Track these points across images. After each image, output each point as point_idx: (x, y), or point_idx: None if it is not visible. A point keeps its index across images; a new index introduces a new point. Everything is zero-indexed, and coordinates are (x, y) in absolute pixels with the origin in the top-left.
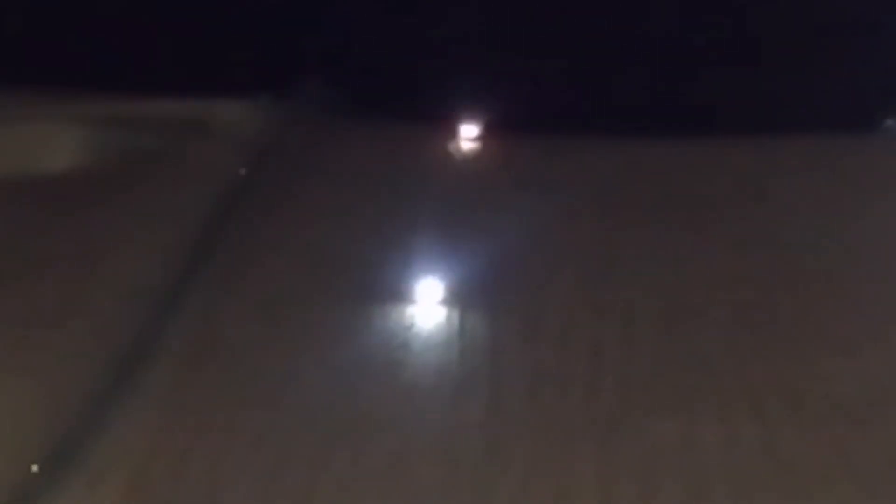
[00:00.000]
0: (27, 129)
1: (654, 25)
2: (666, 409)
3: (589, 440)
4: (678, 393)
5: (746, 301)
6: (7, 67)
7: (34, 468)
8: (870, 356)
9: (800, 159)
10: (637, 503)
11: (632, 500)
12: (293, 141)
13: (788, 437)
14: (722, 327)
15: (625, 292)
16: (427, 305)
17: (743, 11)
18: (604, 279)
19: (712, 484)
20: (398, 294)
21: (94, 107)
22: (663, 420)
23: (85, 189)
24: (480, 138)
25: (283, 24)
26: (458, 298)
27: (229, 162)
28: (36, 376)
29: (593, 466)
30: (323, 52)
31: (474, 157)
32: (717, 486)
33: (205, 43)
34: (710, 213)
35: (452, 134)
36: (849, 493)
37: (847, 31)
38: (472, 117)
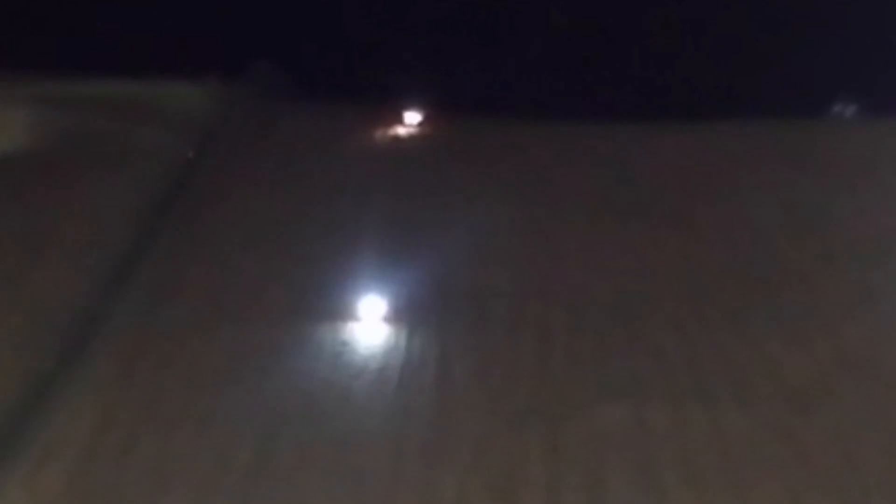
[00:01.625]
0: None
1: (611, 15)
2: (615, 394)
3: (538, 423)
4: (627, 378)
5: (696, 287)
6: None
7: None
8: (817, 343)
9: (751, 145)
10: (586, 485)
11: (581, 483)
12: (240, 124)
13: (736, 422)
14: (671, 313)
15: (574, 278)
16: (374, 292)
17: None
18: (552, 265)
19: (661, 467)
20: (343, 281)
21: (39, 88)
22: (612, 404)
23: (30, 171)
24: (425, 122)
25: (232, 8)
26: (405, 285)
27: (176, 144)
28: None
29: (542, 449)
30: (271, 36)
31: (420, 141)
32: (665, 469)
33: (153, 26)
34: (662, 201)
35: (398, 118)
36: (796, 476)
37: (797, 24)
38: (417, 102)
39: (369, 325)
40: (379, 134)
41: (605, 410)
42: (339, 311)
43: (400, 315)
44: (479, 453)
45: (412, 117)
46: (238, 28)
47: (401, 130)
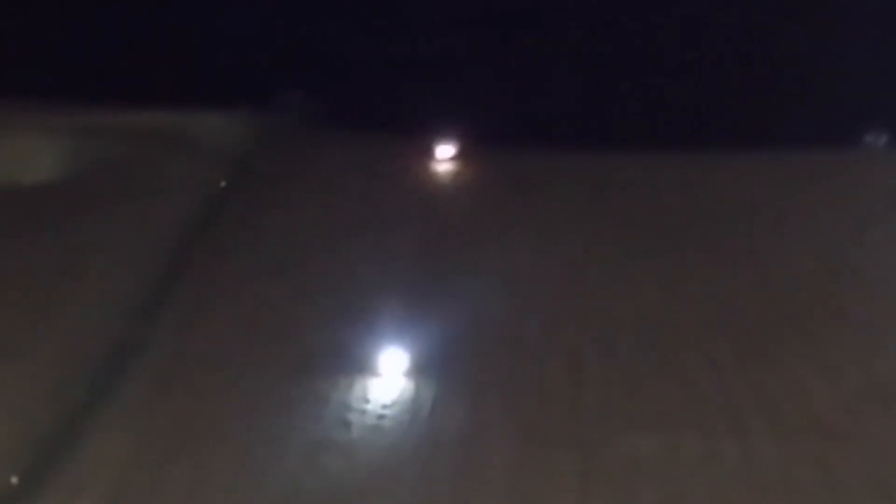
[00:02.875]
0: (6, 141)
1: (645, 44)
2: (647, 424)
3: (570, 454)
4: (659, 408)
5: (728, 318)
6: None
7: (14, 480)
8: (849, 374)
9: (784, 175)
10: None
11: None
12: (272, 154)
13: (768, 453)
14: (703, 344)
15: (605, 309)
16: (405, 320)
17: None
18: (584, 296)
19: (693, 497)
20: (375, 311)
21: (73, 119)
22: (644, 434)
23: (64, 200)
24: (457, 153)
25: (264, 38)
26: (438, 314)
27: (209, 174)
28: (15, 388)
29: (574, 480)
30: (302, 66)
31: (451, 172)
32: (697, 499)
33: (186, 56)
34: (696, 230)
35: (429, 148)
36: None
37: (828, 55)
38: (449, 132)
39: (401, 354)
40: (410, 164)
41: (637, 440)
42: (370, 340)
43: (432, 345)
44: (511, 482)
45: (444, 148)
46: (269, 58)
47: (432, 161)
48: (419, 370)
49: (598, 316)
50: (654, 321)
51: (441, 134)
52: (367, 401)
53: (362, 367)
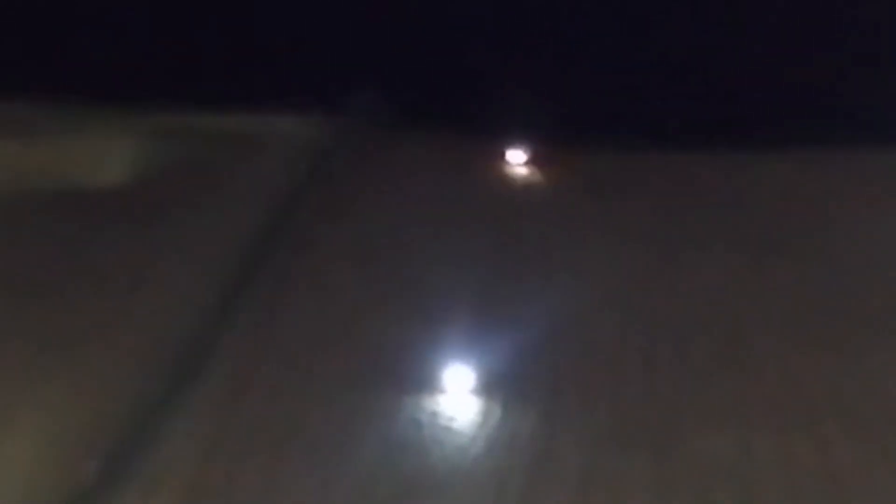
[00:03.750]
0: (81, 142)
1: (719, 44)
2: (720, 422)
3: (644, 452)
4: (732, 406)
5: (802, 316)
6: (60, 82)
7: (90, 477)
8: None
9: (856, 173)
10: None
11: None
12: (344, 156)
13: (843, 452)
14: (776, 342)
15: (679, 308)
16: (481, 322)
17: (807, 31)
18: (658, 295)
19: (767, 496)
20: (448, 313)
21: (147, 121)
22: (717, 432)
23: (138, 202)
24: (531, 155)
25: (336, 41)
26: (512, 316)
27: (281, 176)
28: (91, 387)
29: (648, 478)
30: (375, 67)
31: (525, 174)
32: (771, 498)
33: (258, 58)
34: (769, 230)
35: (504, 150)
36: None
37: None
38: (523, 134)
39: (474, 355)
40: (484, 166)
41: (711, 439)
42: (443, 342)
43: (505, 346)
44: (584, 483)
45: (518, 149)
46: (342, 60)
47: (506, 163)
48: (492, 371)
49: (671, 316)
50: (727, 320)
51: (515, 135)
52: (440, 402)
53: (435, 368)
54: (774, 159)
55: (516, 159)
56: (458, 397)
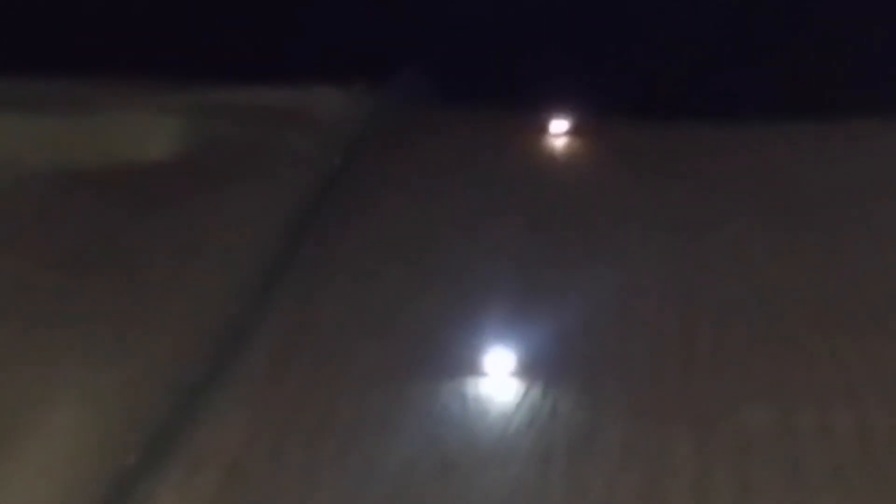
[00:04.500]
0: (125, 118)
1: (763, 13)
2: (761, 396)
3: (684, 426)
4: (773, 380)
5: (842, 290)
6: (104, 57)
7: (133, 458)
8: None
9: (887, 148)
10: (732, 487)
11: (727, 484)
12: (386, 131)
13: (884, 426)
14: (816, 315)
15: (719, 281)
16: (520, 297)
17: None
18: (698, 269)
19: (808, 470)
20: (488, 296)
21: (189, 97)
22: (758, 406)
23: (181, 179)
24: (572, 130)
25: (379, 14)
26: (551, 291)
27: (323, 151)
28: (133, 368)
29: (689, 452)
30: (418, 42)
31: (567, 148)
32: (813, 471)
33: (301, 34)
34: (812, 202)
35: (545, 125)
36: None
37: None
38: (565, 108)
39: (513, 330)
40: (528, 143)
41: (751, 413)
42: (483, 318)
43: (545, 322)
44: (626, 455)
45: (560, 123)
46: (385, 34)
47: (548, 138)
48: (532, 351)
49: (711, 291)
50: (767, 295)
51: (557, 109)
52: (480, 379)
53: (475, 344)
54: (814, 131)
55: (559, 133)
56: (498, 377)
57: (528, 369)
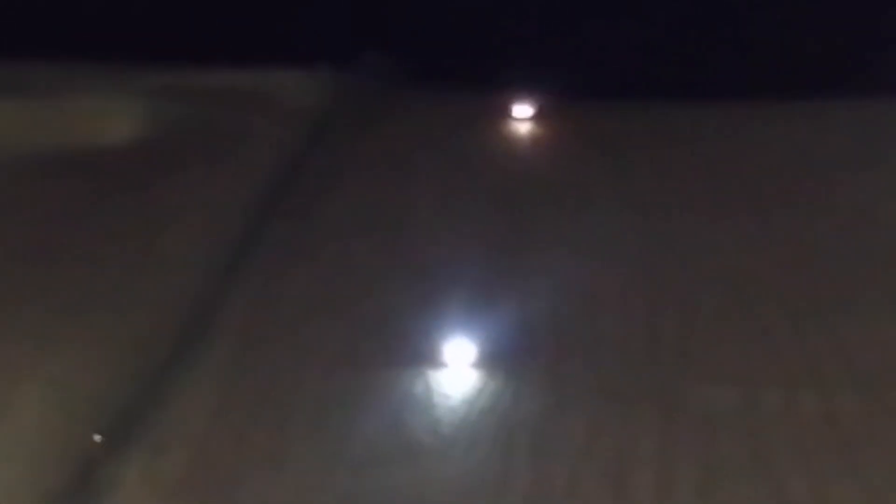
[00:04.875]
0: (88, 101)
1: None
2: (726, 378)
3: (649, 409)
4: (738, 362)
5: (808, 271)
6: (66, 40)
7: (98, 439)
8: None
9: (858, 125)
10: (698, 470)
11: (692, 468)
12: (351, 114)
13: (848, 406)
14: (783, 297)
15: (685, 262)
16: (485, 278)
17: None
18: (664, 250)
19: (774, 452)
20: (454, 277)
21: (151, 79)
22: (724, 389)
23: (143, 162)
24: (538, 113)
25: None
26: (516, 272)
27: (288, 134)
28: (99, 350)
29: (654, 432)
30: (383, 24)
31: (531, 131)
32: (778, 454)
33: (265, 14)
34: (774, 184)
35: (511, 108)
36: None
37: None
38: (530, 91)
39: (479, 310)
40: (495, 125)
41: (717, 395)
42: (449, 297)
43: (510, 303)
44: (591, 438)
45: (524, 106)
46: (349, 16)
47: (512, 120)
48: (497, 330)
49: (677, 274)
50: (733, 275)
51: (523, 92)
52: (444, 362)
53: (440, 327)
54: (780, 113)
55: (522, 115)
56: (462, 361)
57: (493, 352)
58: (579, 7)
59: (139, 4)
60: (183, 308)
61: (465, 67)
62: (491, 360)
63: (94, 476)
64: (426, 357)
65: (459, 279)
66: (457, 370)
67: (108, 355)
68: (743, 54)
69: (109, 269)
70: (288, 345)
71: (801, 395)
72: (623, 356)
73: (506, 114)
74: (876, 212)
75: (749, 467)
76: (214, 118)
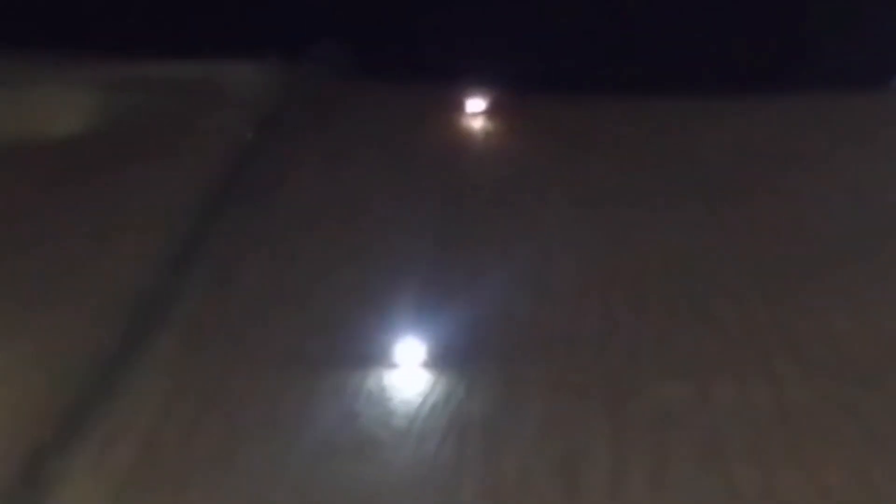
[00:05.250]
0: (36, 93)
1: None
2: (678, 371)
3: (601, 400)
4: (690, 354)
5: (759, 263)
6: (14, 30)
7: (46, 433)
8: (879, 315)
9: (814, 118)
10: (649, 463)
11: (644, 460)
12: (302, 105)
13: (800, 398)
14: (734, 289)
15: (636, 255)
16: (436, 270)
17: None
18: (615, 242)
19: (725, 444)
20: (407, 261)
21: (102, 70)
22: (675, 381)
23: (93, 153)
24: (492, 104)
25: None
26: (467, 265)
27: (238, 125)
28: (47, 343)
29: (606, 426)
30: (333, 15)
31: (485, 124)
32: (730, 446)
33: (215, 5)
34: (725, 176)
35: (464, 99)
36: (862, 452)
37: None
38: (480, 81)
39: (430, 302)
40: (447, 117)
41: (669, 387)
42: (401, 290)
43: (461, 295)
44: (544, 431)
45: (477, 98)
46: (300, 7)
47: (465, 112)
48: (449, 324)
49: (629, 266)
50: (684, 268)
51: (477, 83)
52: (396, 356)
53: (392, 320)
54: (736, 106)
55: (476, 109)
56: (414, 355)
57: (445, 346)
58: (536, 2)
59: None
60: (132, 300)
61: (418, 59)
62: (443, 354)
63: (42, 470)
64: (378, 351)
65: (411, 273)
66: (408, 364)
67: (55, 348)
68: (697, 48)
69: (59, 260)
70: (239, 338)
71: (752, 389)
72: (575, 350)
73: (459, 105)
74: (826, 205)
75: (700, 458)
76: (164, 110)
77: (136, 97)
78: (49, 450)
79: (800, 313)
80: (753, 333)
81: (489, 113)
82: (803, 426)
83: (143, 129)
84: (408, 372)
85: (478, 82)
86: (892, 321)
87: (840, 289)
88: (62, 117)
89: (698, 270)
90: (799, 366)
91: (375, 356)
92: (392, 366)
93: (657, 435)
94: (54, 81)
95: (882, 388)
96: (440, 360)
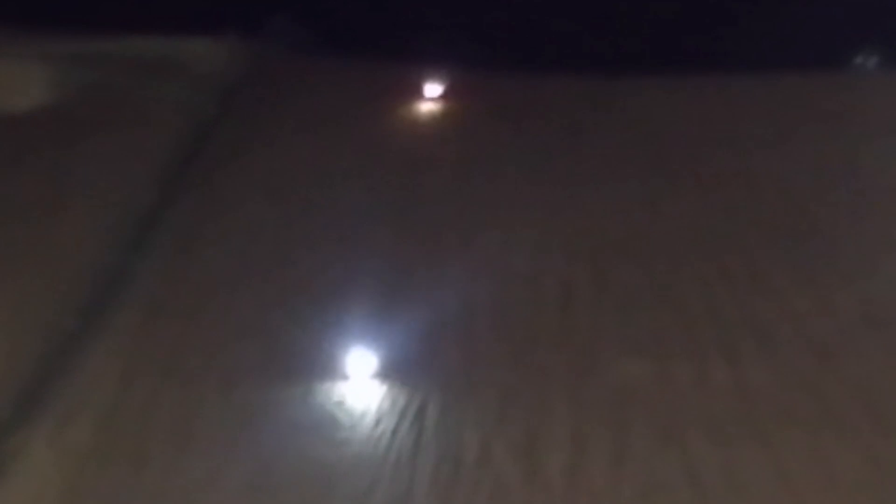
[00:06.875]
0: None
1: None
2: (638, 349)
3: (561, 381)
4: (650, 333)
5: (720, 242)
6: None
7: (5, 410)
8: (841, 296)
9: (775, 98)
10: (609, 441)
11: (604, 438)
12: (260, 80)
13: (759, 375)
14: (694, 268)
15: (597, 233)
16: (393, 248)
17: None
18: (575, 221)
19: (684, 422)
20: (363, 237)
21: (59, 45)
22: (635, 359)
23: (52, 128)
24: (450, 80)
25: None
26: (425, 243)
27: (196, 100)
28: (3, 319)
29: (565, 405)
30: None
31: (442, 100)
32: (689, 423)
33: None
34: (686, 155)
35: (423, 77)
36: (820, 430)
37: None
38: (440, 59)
39: (386, 278)
40: (405, 94)
41: (628, 366)
42: (358, 265)
43: (419, 272)
44: (503, 409)
45: (436, 75)
46: None
47: (422, 89)
48: (406, 300)
49: (588, 242)
50: (645, 246)
51: (436, 61)
52: (355, 330)
53: (351, 295)
54: (696, 83)
55: (434, 85)
56: (372, 329)
57: (403, 325)
58: None
59: None
60: (92, 275)
61: (376, 35)
62: (401, 332)
63: (1, 446)
64: (336, 326)
65: (368, 249)
66: (368, 343)
67: (14, 324)
68: (656, 27)
69: (16, 235)
70: (197, 314)
71: (712, 368)
72: (534, 329)
73: (418, 83)
74: (788, 186)
75: (660, 438)
76: (122, 86)
77: (94, 72)
78: (6, 427)
79: (759, 292)
80: (713, 312)
81: (446, 92)
82: (762, 404)
83: (102, 104)
84: (367, 350)
85: (435, 62)
86: (851, 303)
87: (800, 270)
88: (15, 92)
89: (658, 250)
90: (758, 344)
91: (333, 330)
92: (350, 339)
93: (616, 412)
94: (14, 55)
95: (842, 367)
96: (398, 338)
